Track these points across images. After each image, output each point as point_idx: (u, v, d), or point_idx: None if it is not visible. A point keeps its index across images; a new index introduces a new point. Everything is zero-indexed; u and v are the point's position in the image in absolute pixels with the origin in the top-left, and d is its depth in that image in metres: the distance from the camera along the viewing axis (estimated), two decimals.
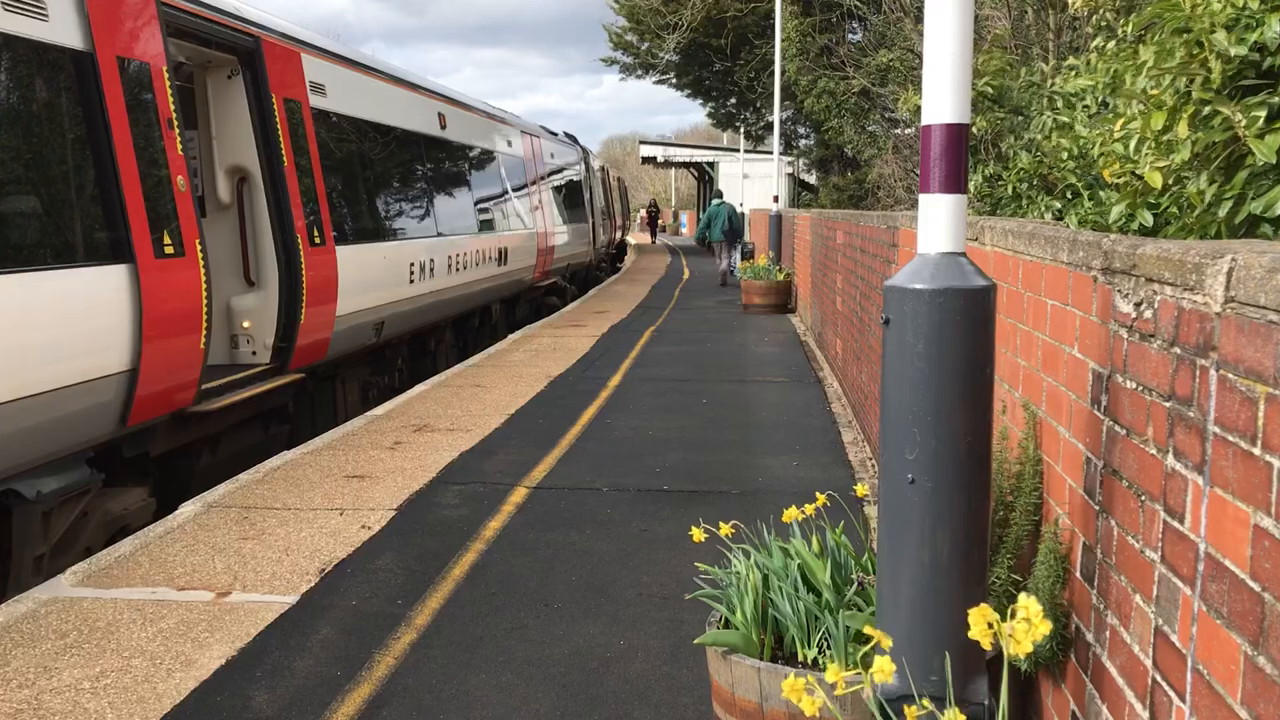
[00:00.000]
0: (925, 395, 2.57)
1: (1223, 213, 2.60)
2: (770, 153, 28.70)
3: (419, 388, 10.30)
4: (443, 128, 13.75)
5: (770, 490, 6.39)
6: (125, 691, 3.83)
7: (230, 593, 4.81)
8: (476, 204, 15.00)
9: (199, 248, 6.99)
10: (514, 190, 17.62)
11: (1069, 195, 4.36)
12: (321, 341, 9.20)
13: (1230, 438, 1.83)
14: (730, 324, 15.58)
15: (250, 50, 8.41)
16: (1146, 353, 2.24)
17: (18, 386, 5.32)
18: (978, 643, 2.05)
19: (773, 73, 22.17)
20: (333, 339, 9.43)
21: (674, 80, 33.54)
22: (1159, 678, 2.13)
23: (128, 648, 4.21)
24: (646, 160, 45.22)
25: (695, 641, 3.30)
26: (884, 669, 2.09)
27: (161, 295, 6.49)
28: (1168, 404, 2.12)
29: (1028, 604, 1.99)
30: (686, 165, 46.64)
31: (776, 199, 20.31)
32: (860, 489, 3.99)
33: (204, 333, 6.99)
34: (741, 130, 35.78)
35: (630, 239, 46.65)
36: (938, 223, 2.64)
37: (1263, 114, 2.45)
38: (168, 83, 6.90)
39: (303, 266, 8.67)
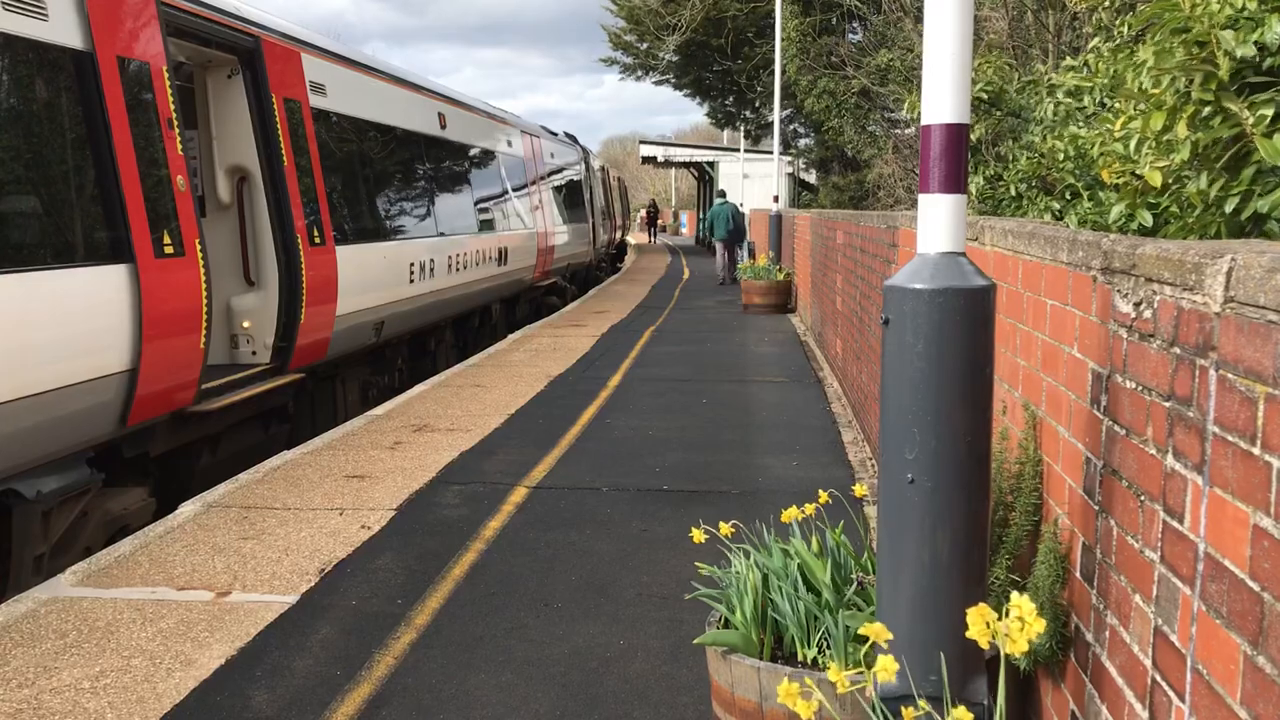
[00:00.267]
0: (925, 395, 2.57)
1: (1229, 209, 2.60)
2: (770, 152, 28.71)
3: (419, 388, 10.30)
4: (443, 127, 13.75)
5: (770, 490, 6.39)
6: (125, 691, 3.83)
7: (230, 592, 4.81)
8: (476, 204, 15.00)
9: (199, 247, 6.99)
10: (514, 190, 17.62)
11: (1068, 196, 4.37)
12: (321, 341, 9.20)
13: (1230, 438, 1.83)
14: (730, 324, 15.58)
15: (250, 50, 8.41)
16: (1146, 353, 2.24)
17: (18, 386, 5.32)
18: (977, 642, 2.05)
19: (772, 72, 22.18)
20: (333, 339, 9.43)
21: (674, 81, 33.55)
22: (1158, 677, 2.13)
23: (127, 647, 4.21)
24: (646, 160, 45.19)
25: (695, 641, 3.30)
26: (887, 667, 2.09)
27: (161, 295, 6.49)
28: (1167, 404, 2.12)
29: (1021, 603, 1.99)
30: (686, 165, 46.62)
31: (776, 199, 20.32)
32: (859, 489, 3.99)
33: (204, 332, 6.99)
34: (741, 130, 35.78)
35: (630, 239, 46.66)
36: (937, 222, 2.64)
37: (1270, 112, 2.45)
38: (168, 82, 6.90)
39: (302, 266, 8.67)
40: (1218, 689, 1.85)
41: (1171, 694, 2.06)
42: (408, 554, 5.31)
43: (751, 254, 22.66)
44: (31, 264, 5.55)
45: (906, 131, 16.00)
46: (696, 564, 3.71)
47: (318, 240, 9.04)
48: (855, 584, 3.19)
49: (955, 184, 2.63)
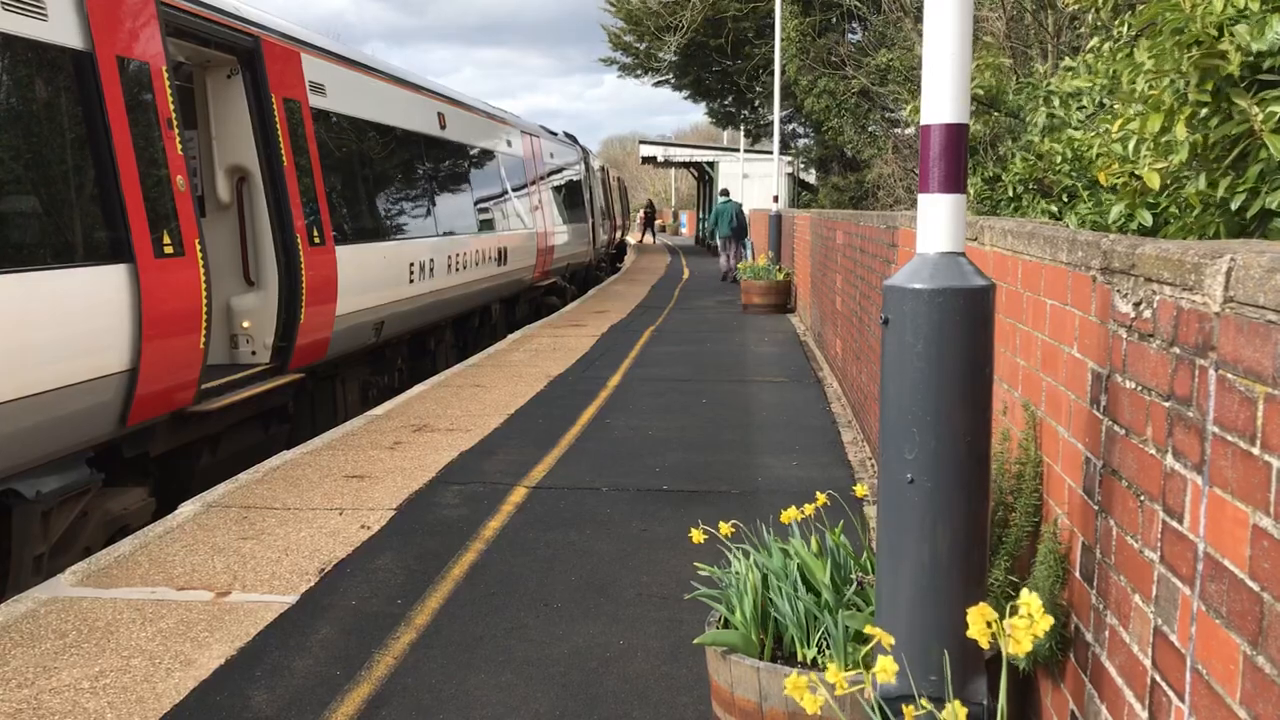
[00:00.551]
0: (925, 395, 2.57)
1: (1235, 206, 2.59)
2: (770, 152, 28.72)
3: (419, 387, 10.30)
4: (442, 127, 13.75)
5: (770, 490, 6.39)
6: (125, 691, 3.83)
7: (230, 592, 4.81)
8: (476, 204, 15.00)
9: (199, 247, 6.99)
10: (514, 190, 17.62)
11: (1065, 198, 4.37)
12: (321, 341, 9.20)
13: (1229, 437, 1.83)
14: (730, 324, 15.58)
15: (250, 50, 8.41)
16: (1145, 353, 2.24)
17: (18, 386, 5.32)
18: (977, 642, 2.05)
19: (772, 72, 22.19)
20: (332, 339, 9.43)
21: (673, 81, 33.52)
22: (1158, 677, 2.13)
23: (127, 647, 4.21)
24: (646, 160, 45.17)
25: (695, 641, 3.31)
26: (887, 668, 2.09)
27: (161, 295, 6.49)
28: (1167, 404, 2.12)
29: (1029, 600, 1.98)
30: (686, 165, 46.60)
31: (776, 199, 20.34)
32: (859, 489, 3.99)
33: (204, 332, 6.99)
34: (741, 130, 35.77)
35: (630, 239, 46.66)
36: (937, 222, 2.64)
37: None
38: (167, 82, 6.90)
39: (302, 266, 8.67)
40: (1217, 689, 1.85)
41: (1171, 694, 2.06)
42: (407, 554, 5.31)
43: (751, 254, 22.84)
44: (31, 264, 5.55)
45: (906, 131, 16.00)
46: (696, 564, 3.71)
47: (317, 240, 9.04)
48: (855, 584, 3.19)
49: (955, 184, 2.63)
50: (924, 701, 2.31)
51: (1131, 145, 3.04)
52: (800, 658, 3.08)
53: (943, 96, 2.61)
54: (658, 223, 66.25)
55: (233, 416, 7.97)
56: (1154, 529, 2.18)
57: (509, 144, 17.80)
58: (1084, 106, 4.52)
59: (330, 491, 6.48)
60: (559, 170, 22.62)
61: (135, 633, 4.35)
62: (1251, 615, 1.74)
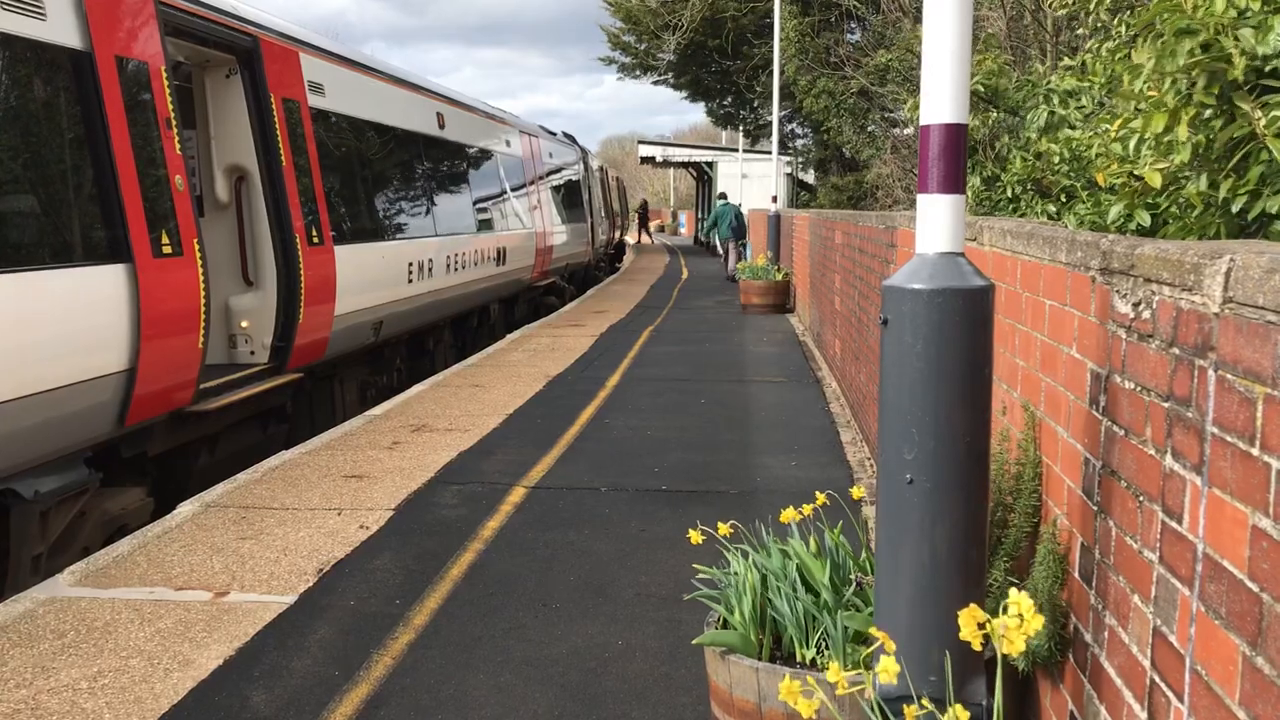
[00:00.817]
0: (924, 395, 2.57)
1: (1236, 209, 2.59)
2: (769, 153, 28.73)
3: (417, 387, 10.29)
4: (441, 127, 13.75)
5: (769, 490, 6.39)
6: (123, 691, 3.83)
7: (228, 593, 4.80)
8: (475, 204, 14.99)
9: (197, 247, 6.99)
10: (512, 190, 17.61)
11: (1063, 198, 4.37)
12: (320, 341, 9.19)
13: (1229, 438, 1.83)
14: (729, 324, 15.58)
15: (248, 50, 8.40)
16: (1145, 353, 2.24)
17: (16, 386, 5.32)
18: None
19: (771, 72, 22.19)
20: (331, 339, 9.42)
21: (672, 81, 33.50)
22: (1157, 678, 2.13)
23: (125, 648, 4.21)
24: (645, 160, 45.15)
25: (693, 642, 3.30)
26: (889, 669, 2.09)
27: (159, 295, 6.48)
28: (1166, 404, 2.12)
29: (1019, 599, 1.98)
30: (685, 165, 46.61)
31: (775, 199, 20.35)
32: (858, 491, 3.99)
33: (202, 332, 6.99)
34: (740, 130, 35.76)
35: (628, 239, 46.66)
36: (936, 223, 2.64)
37: None
38: (166, 82, 6.90)
39: (301, 266, 8.67)
40: (1216, 690, 1.85)
41: (1170, 694, 2.06)
42: (406, 554, 5.30)
43: (749, 254, 23.02)
44: (30, 264, 5.54)
45: (905, 132, 16.00)
46: (695, 564, 3.71)
47: (316, 240, 9.03)
48: (854, 584, 3.19)
49: (954, 184, 2.63)
50: (925, 701, 2.31)
51: (1132, 145, 3.04)
52: (799, 658, 3.07)
53: (942, 96, 2.61)
54: (657, 223, 66.23)
55: (231, 416, 7.97)
56: (1153, 529, 2.17)
57: (508, 144, 17.80)
58: (1083, 106, 4.52)
59: (329, 492, 6.48)
60: (558, 170, 22.62)
61: (133, 633, 4.35)
62: (1251, 616, 1.73)
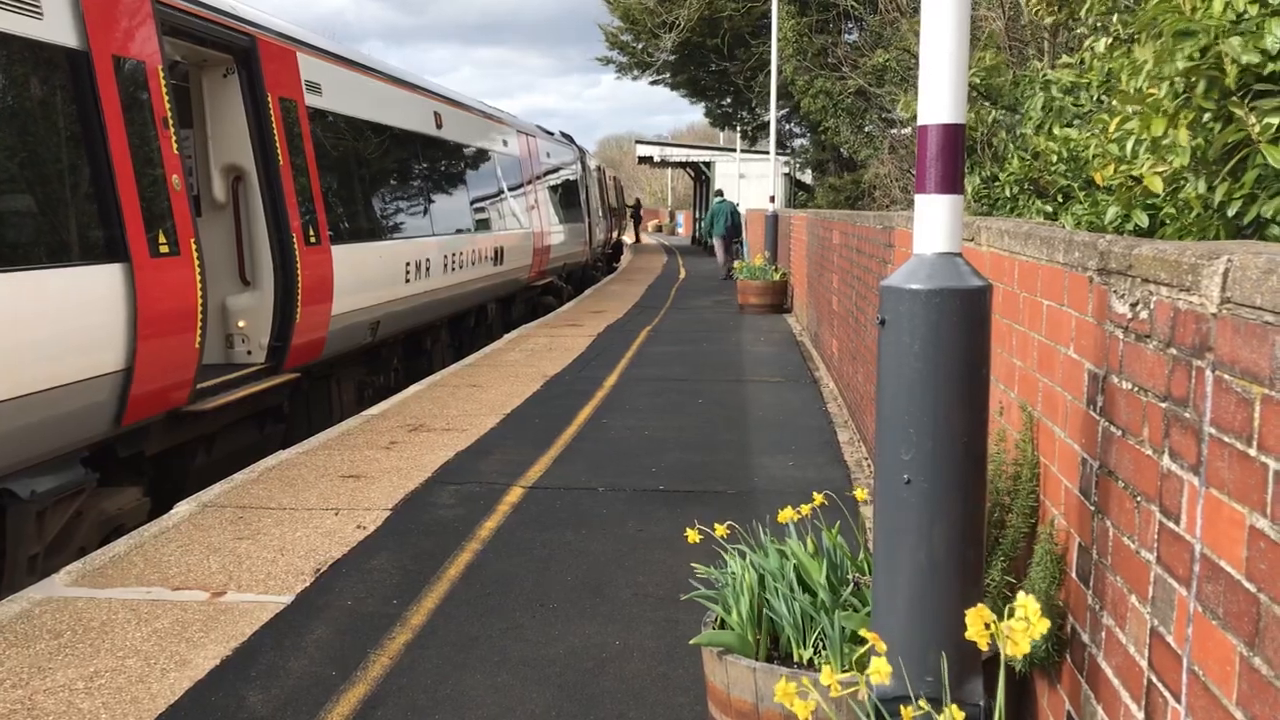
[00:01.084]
0: (921, 396, 2.57)
1: (1232, 213, 2.59)
2: (766, 153, 28.73)
3: (414, 387, 10.29)
4: (438, 127, 13.74)
5: (766, 490, 6.39)
6: (119, 691, 3.82)
7: (225, 593, 4.80)
8: (472, 203, 14.99)
9: (194, 247, 6.98)
10: (510, 190, 17.61)
11: (1060, 199, 4.37)
12: (317, 341, 9.18)
13: (1226, 439, 1.83)
14: (726, 324, 15.58)
15: (246, 49, 8.40)
16: (1142, 353, 2.24)
17: (12, 386, 5.31)
18: (974, 643, 2.05)
19: (769, 72, 22.20)
20: (328, 338, 9.42)
21: (669, 80, 33.51)
22: (1154, 678, 2.13)
23: (122, 648, 4.20)
24: (643, 160, 45.11)
25: (691, 642, 3.30)
26: (880, 670, 2.09)
27: (156, 294, 6.48)
28: (1163, 405, 2.12)
29: (1026, 603, 1.98)
30: (683, 165, 46.56)
31: (773, 199, 20.36)
32: (859, 493, 3.99)
33: (199, 332, 6.98)
34: (738, 130, 35.76)
35: (626, 238, 46.66)
36: (934, 223, 2.63)
37: (1277, 120, 2.45)
38: (163, 81, 6.89)
39: (298, 266, 8.66)
40: (1214, 690, 1.85)
41: (1168, 695, 2.06)
42: (403, 554, 5.30)
43: (746, 253, 23.09)
44: (26, 263, 5.53)
45: (903, 132, 16.00)
46: (693, 564, 3.71)
47: (313, 239, 9.03)
48: (851, 585, 3.19)
49: (952, 184, 2.63)
50: (922, 703, 2.30)
51: (1129, 146, 3.04)
52: (797, 658, 3.07)
53: (940, 96, 2.60)
54: (654, 222, 66.24)
55: (228, 416, 7.96)
56: (1150, 530, 2.17)
57: (505, 143, 17.79)
58: (1080, 104, 4.52)
59: (326, 491, 6.47)
60: (555, 170, 22.62)
61: (130, 633, 4.34)
62: (1248, 616, 1.73)
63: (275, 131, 8.62)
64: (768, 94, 23.32)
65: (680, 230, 65.22)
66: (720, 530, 3.50)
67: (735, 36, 27.25)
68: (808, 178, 31.95)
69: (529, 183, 19.27)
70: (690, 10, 26.23)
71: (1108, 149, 3.19)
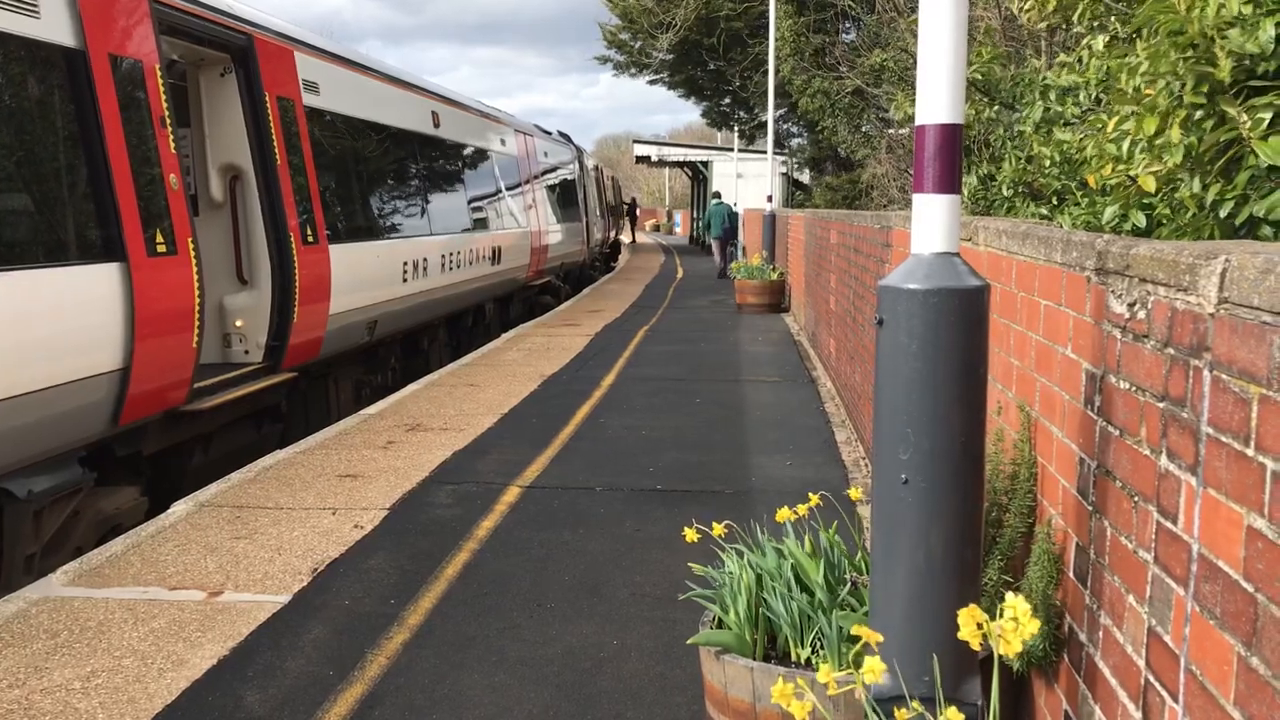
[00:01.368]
0: (919, 395, 2.57)
1: (1224, 213, 2.59)
2: (764, 152, 28.74)
3: (412, 387, 10.28)
4: (436, 126, 13.73)
5: (764, 490, 6.39)
6: (116, 691, 3.82)
7: (222, 592, 4.79)
8: (470, 202, 14.98)
9: (191, 246, 6.97)
10: (507, 189, 17.60)
11: (1055, 201, 4.37)
12: (314, 340, 9.18)
13: (1224, 439, 1.83)
14: (724, 323, 15.58)
15: (243, 48, 8.39)
16: (1140, 353, 2.24)
17: (9, 385, 5.30)
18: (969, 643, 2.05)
19: (766, 72, 22.20)
20: (326, 338, 9.41)
21: (667, 79, 33.50)
22: (1152, 678, 2.13)
23: (119, 647, 4.20)
24: (640, 160, 45.13)
25: (688, 641, 3.30)
26: (874, 669, 2.09)
27: (154, 294, 6.47)
28: (1161, 405, 2.12)
29: (1015, 603, 1.98)
30: (680, 165, 46.57)
31: (770, 199, 20.36)
32: (854, 493, 3.99)
33: (196, 331, 6.97)
34: (735, 129, 35.76)
35: (624, 238, 46.67)
36: (932, 223, 2.63)
37: (1268, 116, 2.45)
38: (160, 81, 6.88)
39: (296, 265, 8.65)
40: (1211, 690, 1.85)
41: (1165, 695, 2.06)
42: (400, 554, 5.30)
43: (742, 253, 23.18)
44: (23, 262, 5.53)
45: (900, 131, 16.00)
46: (690, 564, 3.71)
47: (311, 239, 9.02)
48: (849, 584, 3.19)
49: (950, 184, 2.62)
50: (915, 704, 2.30)
51: (1126, 146, 3.04)
52: (794, 658, 3.07)
53: (938, 96, 2.60)
54: (652, 222, 66.22)
55: (225, 416, 7.95)
56: (1148, 530, 2.18)
57: (503, 143, 17.78)
58: (1079, 103, 4.52)
59: (323, 491, 6.47)
60: (553, 169, 22.61)
61: (127, 633, 4.34)
62: (1246, 616, 1.73)
63: (273, 131, 8.61)
64: (765, 93, 23.32)
65: (678, 230, 65.24)
66: (718, 530, 3.50)
67: (732, 36, 27.24)
68: (805, 177, 31.94)
69: (526, 182, 19.26)
70: (687, 10, 26.22)
71: (1105, 149, 3.19)
